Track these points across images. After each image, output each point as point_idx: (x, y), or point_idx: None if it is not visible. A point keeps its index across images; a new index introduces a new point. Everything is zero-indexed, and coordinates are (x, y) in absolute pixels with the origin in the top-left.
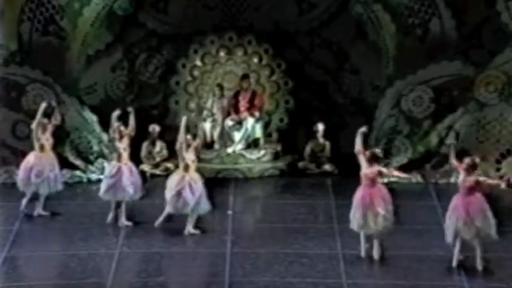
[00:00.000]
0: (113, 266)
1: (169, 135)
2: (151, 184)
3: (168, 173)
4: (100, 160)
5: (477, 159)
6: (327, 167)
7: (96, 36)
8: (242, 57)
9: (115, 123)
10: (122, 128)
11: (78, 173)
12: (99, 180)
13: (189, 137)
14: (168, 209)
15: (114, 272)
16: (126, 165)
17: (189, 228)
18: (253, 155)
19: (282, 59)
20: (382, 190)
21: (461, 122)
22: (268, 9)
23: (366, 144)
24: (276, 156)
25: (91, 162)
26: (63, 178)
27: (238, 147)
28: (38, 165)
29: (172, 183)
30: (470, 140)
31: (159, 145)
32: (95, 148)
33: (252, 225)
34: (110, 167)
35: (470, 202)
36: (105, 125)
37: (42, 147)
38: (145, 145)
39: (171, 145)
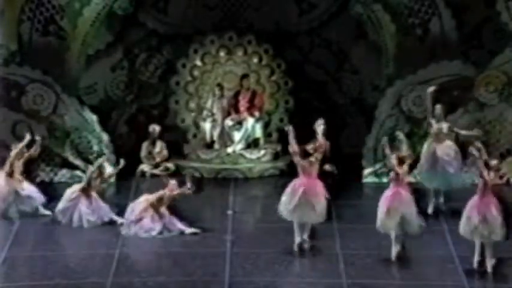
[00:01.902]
0: (113, 266)
1: (169, 135)
2: (152, 184)
3: (168, 173)
4: (100, 160)
5: (403, 154)
6: (327, 167)
7: (96, 36)
8: (242, 57)
9: (99, 163)
10: (105, 170)
11: (78, 173)
12: None
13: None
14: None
15: (114, 272)
16: (89, 196)
17: (188, 229)
18: (253, 155)
19: (282, 59)
20: (317, 183)
21: (461, 122)
22: (268, 9)
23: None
24: (276, 156)
25: (91, 162)
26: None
27: (238, 147)
28: (4, 191)
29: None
30: (470, 140)
31: (159, 145)
32: (95, 148)
33: (252, 225)
34: (70, 190)
35: (396, 193)
36: (105, 125)
37: (11, 173)
38: (145, 145)
39: (171, 145)
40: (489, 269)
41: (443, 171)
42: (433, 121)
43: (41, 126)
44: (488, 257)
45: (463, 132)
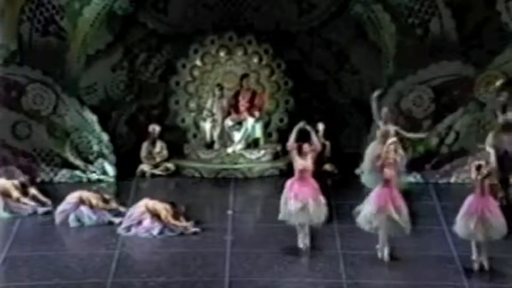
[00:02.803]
0: (113, 266)
1: (169, 135)
2: (152, 184)
3: (168, 173)
4: (100, 160)
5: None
6: (327, 167)
7: (96, 36)
8: (242, 57)
9: (111, 208)
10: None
11: (78, 173)
12: (99, 180)
13: None
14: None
15: (114, 272)
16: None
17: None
18: (253, 155)
19: (282, 59)
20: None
21: (461, 122)
22: (268, 9)
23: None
24: (276, 156)
25: (91, 162)
26: None
27: (238, 147)
28: None
29: None
30: (470, 140)
31: (159, 145)
32: (95, 148)
33: (252, 225)
34: (71, 195)
35: (388, 194)
36: (105, 125)
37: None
38: (145, 145)
39: (171, 145)
40: (487, 267)
41: None
42: (380, 123)
43: (41, 126)
44: (484, 256)
45: (409, 134)
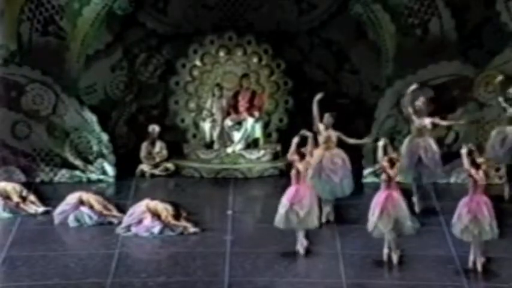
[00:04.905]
0: (113, 266)
1: (169, 135)
2: (151, 184)
3: (167, 173)
4: (100, 160)
5: (393, 155)
6: None
7: (96, 36)
8: (242, 57)
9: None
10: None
11: (77, 173)
12: (99, 180)
13: None
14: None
15: (114, 272)
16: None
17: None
18: (253, 155)
19: (282, 59)
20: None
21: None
22: (268, 9)
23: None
24: (275, 156)
25: (91, 162)
26: None
27: (238, 147)
28: None
29: None
30: (470, 140)
31: (159, 145)
32: (95, 148)
33: (252, 225)
34: (70, 196)
35: (389, 196)
36: (105, 125)
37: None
38: (144, 145)
39: (170, 145)
40: (479, 268)
41: (327, 180)
42: (321, 128)
43: (40, 126)
44: (478, 256)
45: (351, 140)
